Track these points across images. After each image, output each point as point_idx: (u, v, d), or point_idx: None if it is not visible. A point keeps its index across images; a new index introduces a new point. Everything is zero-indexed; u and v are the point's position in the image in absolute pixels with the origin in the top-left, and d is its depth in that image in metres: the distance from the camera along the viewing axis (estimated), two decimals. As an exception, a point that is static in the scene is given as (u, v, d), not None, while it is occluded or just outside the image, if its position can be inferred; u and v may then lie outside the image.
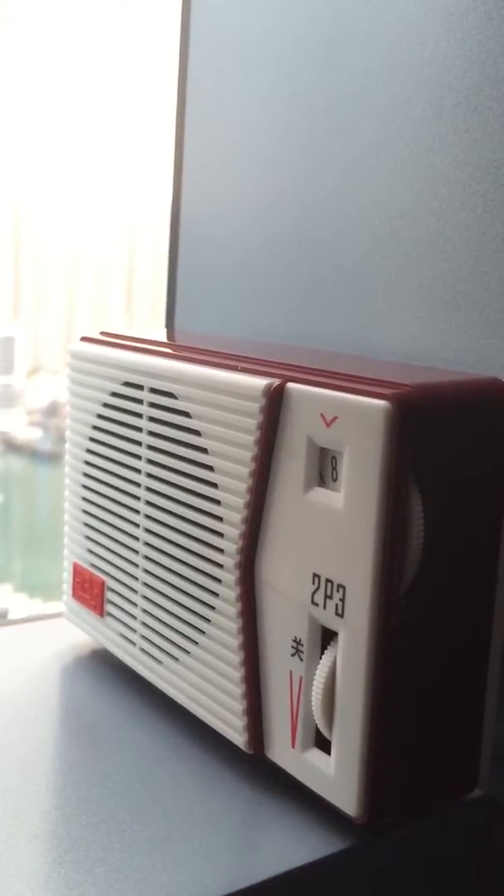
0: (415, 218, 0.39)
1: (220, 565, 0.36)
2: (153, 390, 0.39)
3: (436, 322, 0.38)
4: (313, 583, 0.33)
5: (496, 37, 0.36)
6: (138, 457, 0.41)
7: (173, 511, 0.39)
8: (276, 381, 0.34)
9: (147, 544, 0.41)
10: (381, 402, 0.30)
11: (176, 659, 0.39)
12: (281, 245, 0.47)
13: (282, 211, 0.47)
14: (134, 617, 0.42)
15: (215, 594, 0.37)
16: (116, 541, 0.43)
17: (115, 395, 0.42)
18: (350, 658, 0.31)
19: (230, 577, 0.36)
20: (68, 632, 0.48)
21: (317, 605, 0.33)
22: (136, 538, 0.41)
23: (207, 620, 0.37)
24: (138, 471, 0.41)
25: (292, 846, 0.32)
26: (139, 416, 0.40)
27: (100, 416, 0.43)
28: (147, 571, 0.41)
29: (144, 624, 0.41)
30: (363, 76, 0.41)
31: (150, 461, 0.40)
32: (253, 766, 0.36)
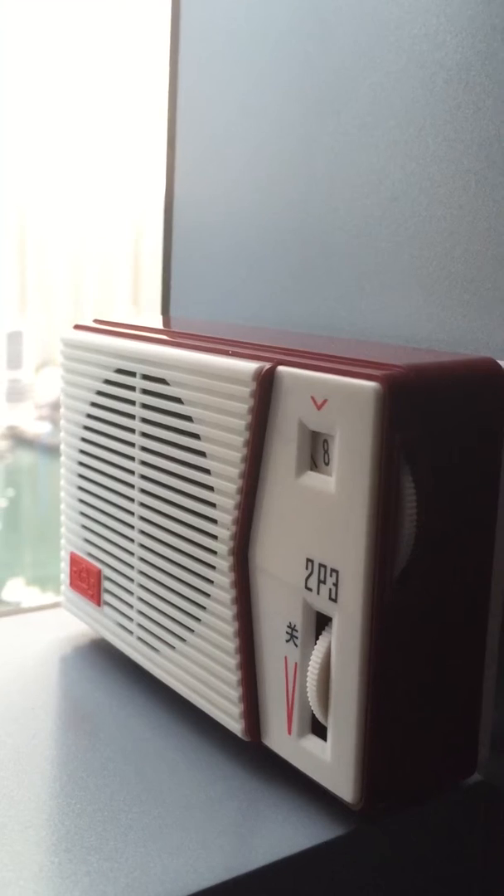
0: (407, 198, 0.39)
1: (213, 552, 0.36)
2: (145, 377, 0.39)
3: (429, 303, 0.38)
4: (307, 568, 0.32)
5: (485, 12, 0.35)
6: (132, 444, 0.40)
7: (167, 498, 0.38)
8: (267, 365, 0.33)
9: (142, 532, 0.40)
10: (371, 384, 0.30)
11: (172, 647, 0.39)
12: (274, 229, 0.46)
13: (274, 194, 0.46)
14: (131, 605, 0.42)
15: (210, 581, 0.36)
16: (112, 529, 0.43)
17: (108, 382, 0.42)
18: (344, 643, 0.31)
19: (224, 563, 0.35)
20: (69, 621, 0.47)
21: (310, 590, 0.32)
22: (132, 526, 0.41)
23: (203, 608, 0.37)
24: (132, 458, 0.40)
25: (289, 833, 0.32)
26: (132, 402, 0.40)
27: (93, 405, 0.43)
28: (143, 559, 0.40)
29: (141, 612, 0.41)
30: (354, 56, 0.41)
31: (144, 448, 0.40)
32: (250, 753, 0.36)
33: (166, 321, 0.50)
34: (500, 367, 0.33)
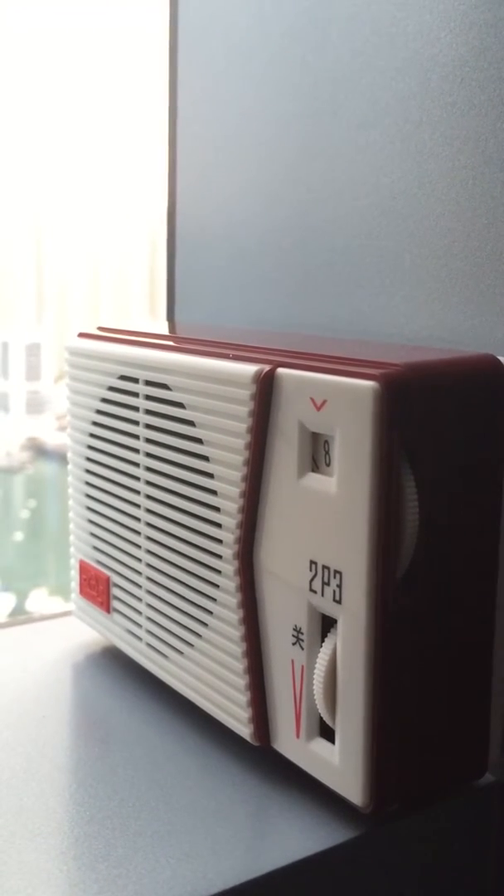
0: (405, 196, 0.38)
1: (219, 556, 0.36)
2: (148, 382, 0.39)
3: (430, 301, 0.38)
4: (311, 570, 0.32)
5: (478, 8, 0.35)
6: (136, 451, 0.40)
7: (173, 504, 0.38)
8: (266, 368, 0.33)
9: (149, 538, 0.40)
10: (370, 383, 0.29)
11: (181, 653, 0.39)
12: (275, 232, 0.46)
13: (274, 197, 0.46)
14: (139, 612, 0.42)
15: (216, 585, 0.36)
16: (119, 536, 0.43)
17: (112, 389, 0.42)
18: (350, 645, 0.31)
19: (230, 567, 0.35)
20: (80, 629, 0.47)
21: (315, 592, 0.32)
22: (138, 533, 0.41)
23: (209, 612, 0.37)
24: (137, 465, 0.41)
25: (299, 837, 0.32)
26: (136, 409, 0.40)
27: (99, 412, 0.43)
28: (150, 566, 0.40)
29: (149, 619, 0.41)
30: (349, 55, 0.41)
31: (148, 454, 0.40)
32: (260, 757, 0.36)
33: (168, 326, 0.50)
34: (500, 363, 0.32)
